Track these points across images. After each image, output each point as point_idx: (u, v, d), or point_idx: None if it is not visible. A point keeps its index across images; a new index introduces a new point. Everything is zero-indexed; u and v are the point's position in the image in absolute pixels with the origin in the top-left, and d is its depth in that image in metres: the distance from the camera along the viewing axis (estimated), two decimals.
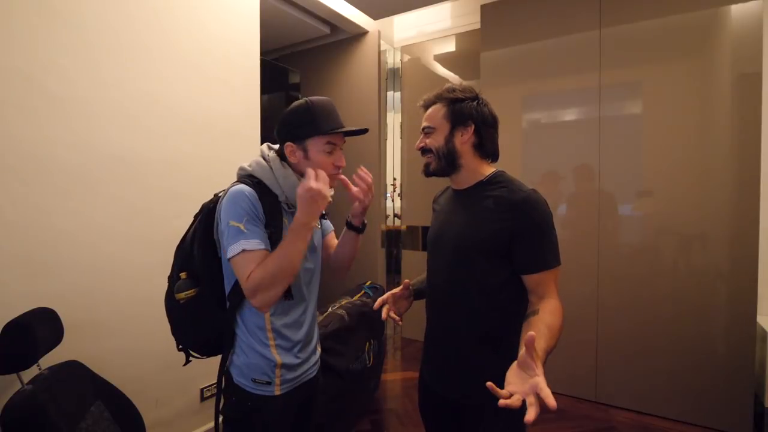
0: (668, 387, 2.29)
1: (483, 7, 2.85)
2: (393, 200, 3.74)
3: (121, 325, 1.70)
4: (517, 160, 2.71)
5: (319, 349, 1.18)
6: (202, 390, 2.02)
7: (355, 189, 1.10)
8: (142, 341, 1.78)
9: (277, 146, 1.08)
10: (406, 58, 3.63)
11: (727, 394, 2.13)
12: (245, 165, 1.06)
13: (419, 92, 4.01)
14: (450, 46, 3.46)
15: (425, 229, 3.50)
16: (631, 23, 2.37)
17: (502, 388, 0.73)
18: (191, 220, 1.12)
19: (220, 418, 1.08)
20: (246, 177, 1.04)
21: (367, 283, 2.50)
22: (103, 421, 1.33)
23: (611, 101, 2.44)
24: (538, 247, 0.97)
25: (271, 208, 0.99)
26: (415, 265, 3.57)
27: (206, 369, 2.03)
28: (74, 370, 1.36)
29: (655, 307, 2.31)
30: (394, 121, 3.70)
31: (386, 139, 3.61)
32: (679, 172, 2.26)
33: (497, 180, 1.05)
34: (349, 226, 1.16)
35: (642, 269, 2.36)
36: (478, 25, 2.93)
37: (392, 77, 3.68)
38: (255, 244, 0.93)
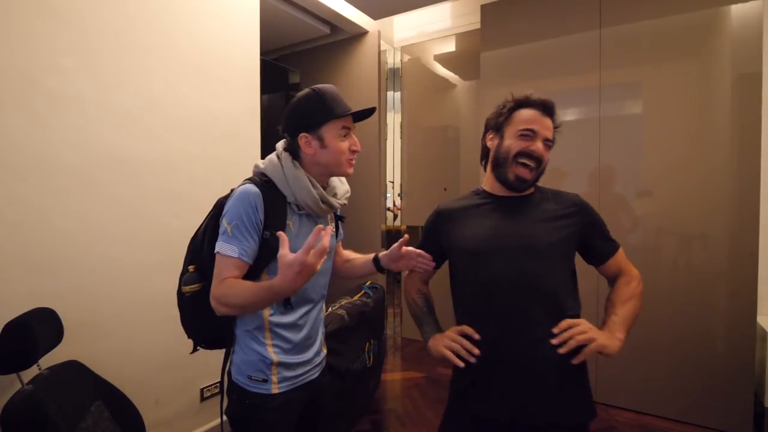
0: (668, 387, 2.29)
1: (483, 7, 2.85)
2: (393, 200, 3.74)
3: (121, 325, 1.70)
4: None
5: (324, 351, 1.17)
6: (202, 390, 2.02)
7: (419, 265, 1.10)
8: (142, 341, 1.78)
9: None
10: (406, 58, 3.63)
11: (727, 394, 2.13)
12: (259, 162, 1.05)
13: (419, 92, 4.00)
14: (450, 46, 3.46)
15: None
16: (631, 23, 2.37)
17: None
18: (191, 220, 1.15)
19: (225, 419, 1.08)
20: (258, 175, 1.03)
21: (367, 283, 2.50)
22: (103, 421, 1.33)
23: (611, 101, 2.44)
24: (607, 234, 1.09)
25: (276, 208, 0.97)
26: None
27: (206, 369, 2.03)
28: (74, 370, 1.36)
29: (655, 306, 2.31)
30: (394, 121, 3.71)
31: (386, 139, 3.61)
32: (679, 172, 2.26)
33: (542, 189, 1.12)
34: (377, 264, 1.17)
35: (642, 269, 2.34)
36: (478, 25, 2.93)
37: (392, 77, 3.68)
38: (229, 250, 0.93)
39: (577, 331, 0.93)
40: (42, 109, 1.47)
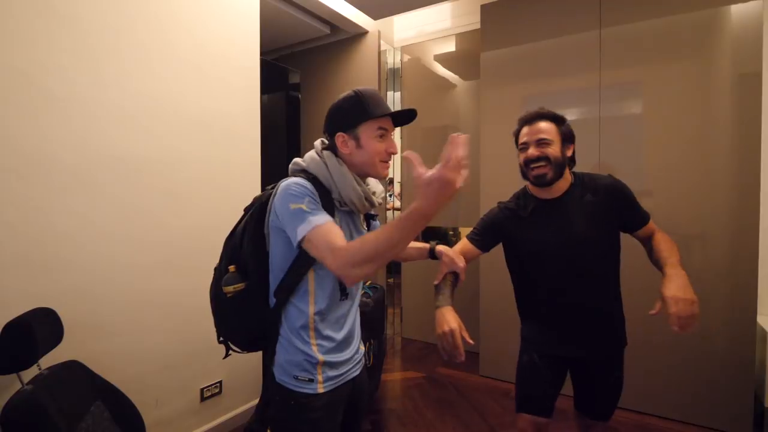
0: (668, 387, 2.29)
1: (483, 7, 2.85)
2: (393, 200, 3.74)
3: (121, 325, 1.70)
4: (517, 160, 2.71)
5: (362, 348, 1.17)
6: (202, 390, 2.02)
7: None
8: (143, 341, 1.78)
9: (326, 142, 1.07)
10: (406, 58, 3.63)
11: (727, 394, 2.13)
12: (299, 160, 1.04)
13: (419, 92, 4.00)
14: (450, 46, 3.46)
15: (425, 228, 3.50)
16: (631, 23, 2.37)
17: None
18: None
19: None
20: (300, 172, 1.02)
21: (367, 283, 2.50)
22: (103, 421, 1.33)
23: (611, 101, 2.44)
24: (639, 210, 1.33)
25: (325, 204, 0.96)
26: (415, 264, 3.57)
27: (206, 369, 2.04)
28: (74, 370, 1.36)
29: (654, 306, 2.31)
30: None
31: None
32: (679, 172, 2.26)
33: (579, 178, 1.34)
34: (432, 253, 1.29)
35: (642, 269, 2.36)
36: (478, 25, 2.93)
37: (392, 77, 3.68)
38: (324, 218, 0.90)
39: (687, 311, 1.09)
40: (42, 109, 1.47)
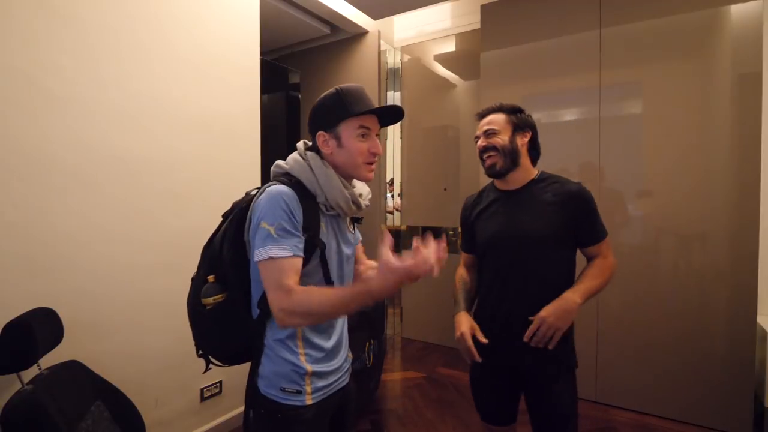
0: (668, 387, 2.29)
1: (483, 7, 2.85)
2: (393, 200, 3.74)
3: (121, 325, 1.70)
4: None
5: (350, 356, 1.12)
6: (202, 390, 2.02)
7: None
8: (143, 341, 1.78)
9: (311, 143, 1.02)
10: (406, 58, 3.63)
11: (727, 394, 2.13)
12: (281, 162, 0.99)
13: (419, 92, 4.00)
14: (450, 46, 3.46)
15: (425, 229, 3.50)
16: (631, 23, 2.37)
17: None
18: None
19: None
20: (283, 176, 0.97)
21: None
22: (103, 421, 1.33)
23: (611, 101, 2.44)
24: (595, 226, 1.25)
25: (309, 210, 0.91)
26: None
27: None
28: (74, 370, 1.37)
29: (655, 307, 2.31)
30: None
31: (386, 139, 3.61)
32: (679, 172, 2.26)
33: (546, 177, 1.29)
34: None
35: (642, 269, 2.36)
36: (478, 25, 2.93)
37: (392, 77, 3.68)
38: (281, 250, 0.85)
39: (542, 333, 1.13)
40: (42, 109, 1.47)
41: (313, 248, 0.92)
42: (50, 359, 1.34)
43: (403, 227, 3.65)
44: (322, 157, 0.97)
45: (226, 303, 0.96)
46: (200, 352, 1.03)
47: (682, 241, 2.28)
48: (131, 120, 1.72)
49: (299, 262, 0.88)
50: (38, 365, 1.29)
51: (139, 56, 1.75)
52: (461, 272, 1.43)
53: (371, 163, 0.98)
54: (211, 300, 0.95)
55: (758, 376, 2.11)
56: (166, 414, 1.87)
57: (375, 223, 3.36)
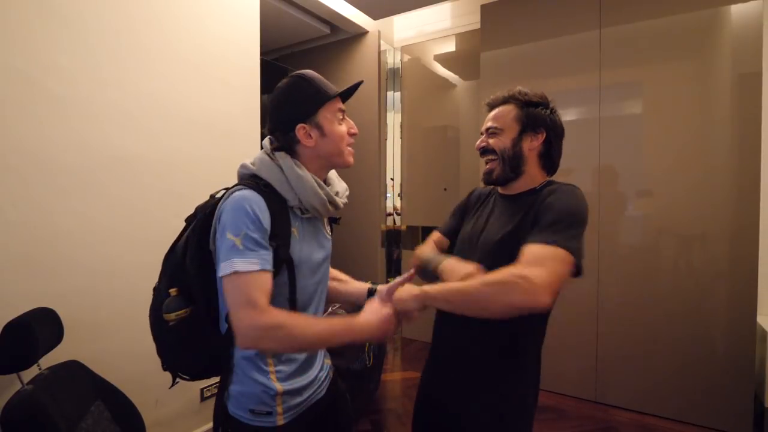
0: (668, 387, 2.29)
1: (483, 7, 2.85)
2: (393, 200, 3.74)
3: (121, 325, 1.70)
4: None
5: (327, 362, 1.05)
6: (202, 390, 2.02)
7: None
8: (142, 341, 1.77)
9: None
10: (406, 58, 3.63)
11: (727, 394, 2.13)
12: (247, 163, 0.91)
13: (419, 92, 3.99)
14: (450, 46, 3.46)
15: (425, 229, 3.50)
16: (631, 23, 2.37)
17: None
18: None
19: None
20: (250, 178, 0.89)
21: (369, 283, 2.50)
22: (103, 421, 1.33)
23: (611, 101, 2.44)
24: (543, 228, 0.87)
25: (278, 216, 0.84)
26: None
27: None
28: (74, 370, 1.36)
29: (655, 307, 2.31)
30: (394, 120, 3.70)
31: (386, 139, 3.61)
32: (679, 172, 2.26)
33: (547, 185, 1.00)
34: (371, 293, 1.08)
35: (642, 269, 2.36)
36: (478, 25, 2.93)
37: (392, 77, 3.68)
38: (249, 264, 0.78)
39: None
40: (42, 109, 1.47)
41: (280, 263, 0.84)
42: (50, 359, 1.34)
43: (403, 227, 3.65)
44: (292, 156, 0.89)
45: (190, 318, 0.88)
46: (165, 367, 0.97)
47: (682, 241, 2.28)
48: (131, 120, 1.72)
49: (269, 278, 0.80)
50: (38, 365, 1.28)
51: (139, 56, 1.75)
52: (424, 248, 1.16)
53: (351, 145, 0.94)
54: (173, 315, 0.87)
55: (758, 376, 2.11)
56: (166, 414, 1.87)
57: (375, 222, 3.37)
